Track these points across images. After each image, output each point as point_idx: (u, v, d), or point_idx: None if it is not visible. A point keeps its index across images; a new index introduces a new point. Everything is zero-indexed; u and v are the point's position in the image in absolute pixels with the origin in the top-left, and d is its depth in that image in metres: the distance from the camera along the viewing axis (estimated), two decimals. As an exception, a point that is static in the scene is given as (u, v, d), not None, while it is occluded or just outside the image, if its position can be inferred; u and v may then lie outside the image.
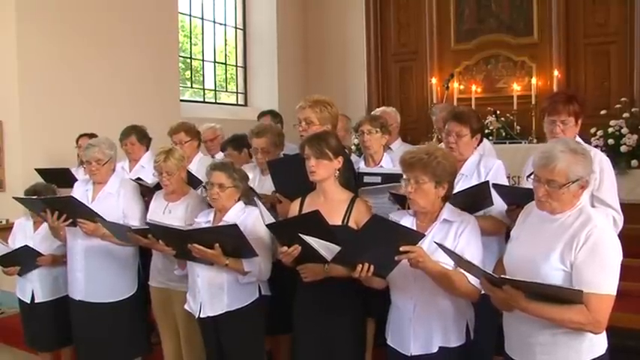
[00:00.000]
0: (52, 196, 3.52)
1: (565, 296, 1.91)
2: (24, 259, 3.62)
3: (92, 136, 4.70)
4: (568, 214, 2.04)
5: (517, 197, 2.53)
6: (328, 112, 3.01)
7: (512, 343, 2.19)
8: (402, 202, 2.64)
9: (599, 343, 2.04)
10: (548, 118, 2.84)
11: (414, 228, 2.38)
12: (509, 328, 2.20)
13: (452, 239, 2.32)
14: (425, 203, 2.33)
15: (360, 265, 2.22)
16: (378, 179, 3.01)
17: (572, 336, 2.00)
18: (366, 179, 3.04)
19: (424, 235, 2.24)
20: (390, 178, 2.92)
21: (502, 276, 1.98)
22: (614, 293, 1.96)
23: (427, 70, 7.49)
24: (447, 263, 2.24)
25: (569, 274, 1.97)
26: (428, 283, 2.26)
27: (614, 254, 1.97)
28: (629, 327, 3.43)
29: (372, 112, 4.48)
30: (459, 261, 2.15)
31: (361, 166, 3.48)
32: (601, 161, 2.80)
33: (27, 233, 3.74)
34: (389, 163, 3.49)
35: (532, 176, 2.08)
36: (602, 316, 1.94)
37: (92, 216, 3.22)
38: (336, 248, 2.29)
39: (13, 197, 3.52)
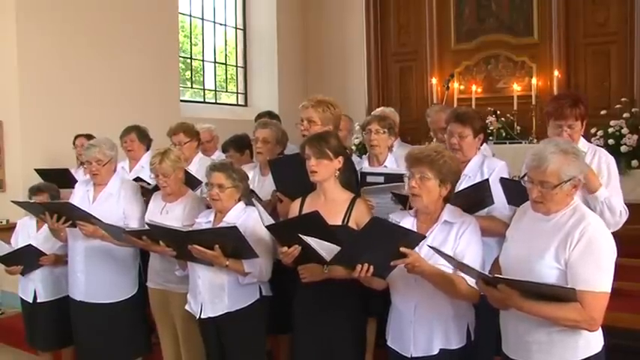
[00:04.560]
0: (50, 201, 3.53)
1: (558, 294, 1.92)
2: (27, 258, 3.62)
3: (89, 136, 4.72)
4: (562, 213, 2.06)
5: (521, 193, 2.51)
6: (331, 113, 3.01)
7: (510, 342, 2.20)
8: (404, 202, 2.64)
9: (595, 341, 2.06)
10: (554, 122, 2.77)
11: (415, 229, 2.38)
12: (506, 327, 2.22)
13: (452, 241, 2.32)
14: (427, 201, 2.33)
15: (360, 266, 2.22)
16: (381, 179, 3.01)
17: (568, 334, 2.01)
18: (369, 179, 3.04)
19: (424, 237, 2.24)
20: (392, 177, 2.92)
21: (496, 275, 2.00)
22: (609, 291, 1.97)
23: (427, 70, 7.49)
24: (447, 265, 2.24)
25: (563, 272, 1.99)
26: (428, 284, 2.27)
27: (608, 252, 1.99)
28: (627, 327, 3.43)
29: (372, 113, 4.47)
30: (455, 263, 2.15)
31: (365, 165, 3.48)
32: (607, 160, 2.78)
33: (30, 233, 3.75)
34: (393, 164, 3.48)
35: (525, 177, 2.09)
36: (597, 313, 1.95)
37: (89, 218, 3.22)
38: (336, 248, 2.29)
39: (12, 201, 3.53)
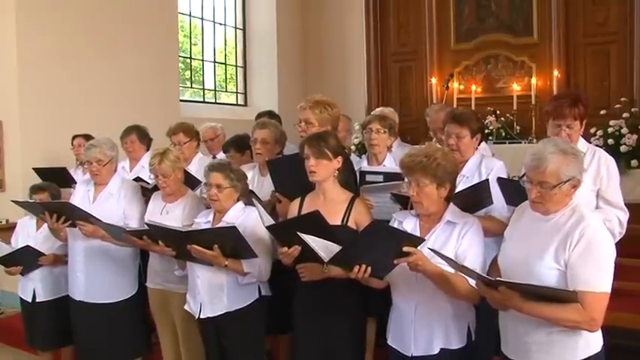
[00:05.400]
0: (50, 200, 3.53)
1: (560, 297, 1.93)
2: (25, 259, 3.63)
3: (87, 136, 4.72)
4: (561, 214, 2.06)
5: (519, 193, 2.51)
6: (328, 114, 3.01)
7: (509, 343, 2.20)
8: (403, 202, 2.64)
9: (595, 341, 2.06)
10: (553, 122, 2.77)
11: (417, 229, 2.39)
12: (505, 328, 2.21)
13: (454, 241, 2.32)
14: (429, 205, 2.33)
15: (357, 267, 2.22)
16: (380, 178, 3.01)
17: (567, 335, 2.01)
18: (369, 178, 3.04)
19: (424, 240, 2.24)
20: (392, 176, 2.92)
21: (498, 278, 1.99)
22: (609, 291, 1.97)
23: (427, 70, 7.49)
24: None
25: (563, 273, 1.98)
26: (429, 284, 2.27)
27: (608, 252, 1.99)
28: (628, 327, 3.43)
29: (372, 112, 4.47)
30: (455, 265, 2.15)
31: (364, 165, 3.48)
32: (606, 161, 2.79)
33: (29, 232, 3.75)
34: (392, 163, 3.49)
35: (524, 177, 2.09)
36: (598, 314, 1.95)
37: (89, 218, 3.22)
38: (336, 247, 2.29)
39: (12, 200, 3.53)
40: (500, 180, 2.68)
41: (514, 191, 2.61)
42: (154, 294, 3.39)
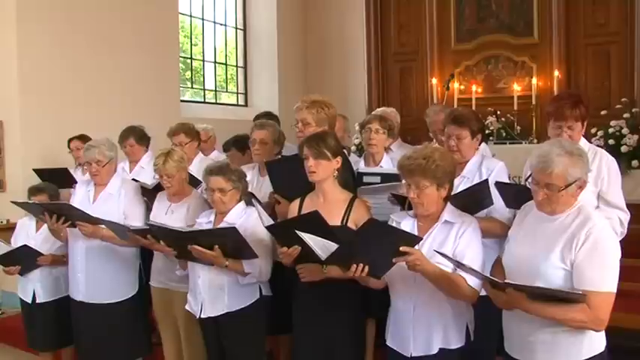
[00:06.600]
0: (49, 202, 3.53)
1: (569, 299, 1.93)
2: (24, 259, 3.62)
3: (83, 137, 4.71)
4: (567, 214, 2.06)
5: (518, 196, 2.51)
6: (325, 114, 3.00)
7: (513, 342, 2.20)
8: (402, 202, 2.64)
9: (599, 340, 2.07)
10: (554, 123, 2.77)
11: (415, 229, 2.38)
12: (509, 328, 2.22)
13: (452, 240, 2.32)
14: (429, 205, 2.34)
15: (355, 266, 2.22)
16: (378, 179, 3.00)
17: (572, 334, 2.02)
18: (366, 179, 3.04)
19: (421, 239, 2.24)
20: (389, 177, 2.91)
21: (506, 281, 2.00)
22: (615, 291, 1.98)
23: (427, 70, 7.48)
24: (448, 265, 2.25)
25: (569, 273, 1.99)
26: (428, 284, 2.27)
27: (613, 252, 1.99)
28: (630, 327, 3.42)
29: (373, 112, 4.47)
30: (459, 266, 2.15)
31: (361, 165, 3.47)
32: (607, 162, 2.79)
33: (29, 233, 3.74)
34: (389, 164, 3.48)
35: (530, 179, 2.09)
36: (604, 313, 1.96)
37: (89, 219, 3.22)
38: (334, 246, 2.29)
39: (12, 201, 3.52)
40: (497, 184, 2.67)
41: (513, 195, 2.61)
42: (157, 293, 3.39)
